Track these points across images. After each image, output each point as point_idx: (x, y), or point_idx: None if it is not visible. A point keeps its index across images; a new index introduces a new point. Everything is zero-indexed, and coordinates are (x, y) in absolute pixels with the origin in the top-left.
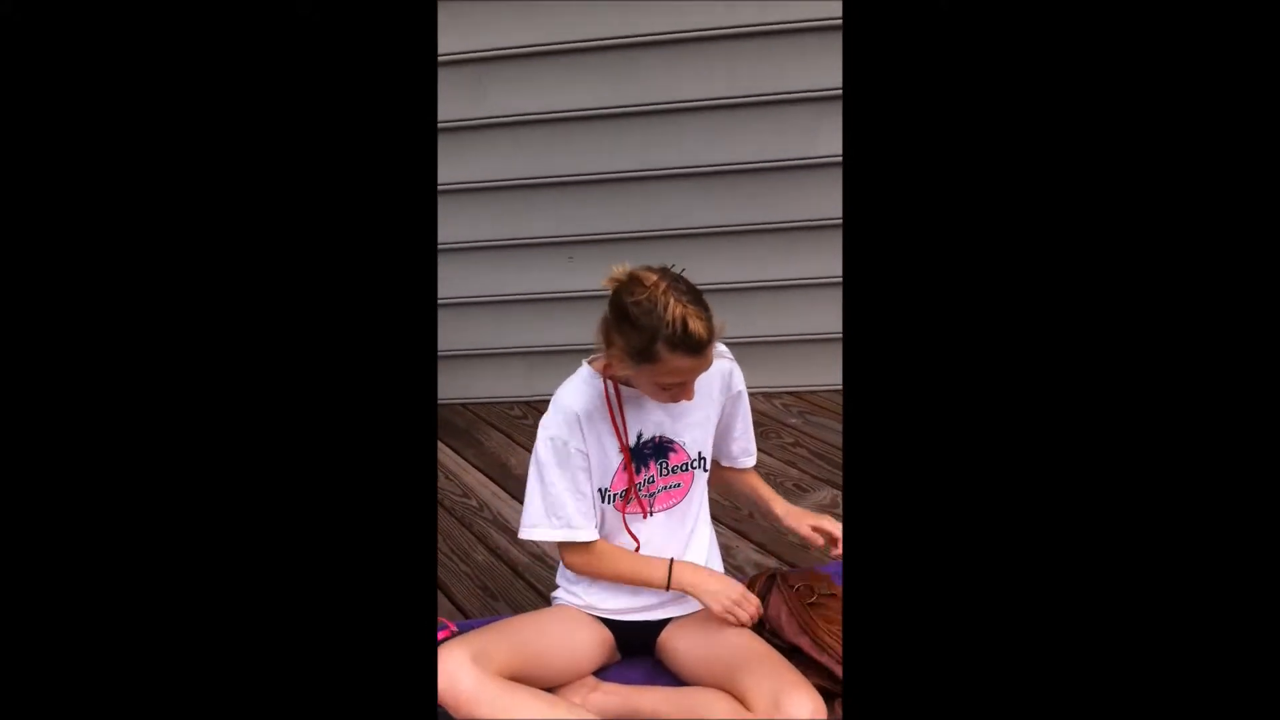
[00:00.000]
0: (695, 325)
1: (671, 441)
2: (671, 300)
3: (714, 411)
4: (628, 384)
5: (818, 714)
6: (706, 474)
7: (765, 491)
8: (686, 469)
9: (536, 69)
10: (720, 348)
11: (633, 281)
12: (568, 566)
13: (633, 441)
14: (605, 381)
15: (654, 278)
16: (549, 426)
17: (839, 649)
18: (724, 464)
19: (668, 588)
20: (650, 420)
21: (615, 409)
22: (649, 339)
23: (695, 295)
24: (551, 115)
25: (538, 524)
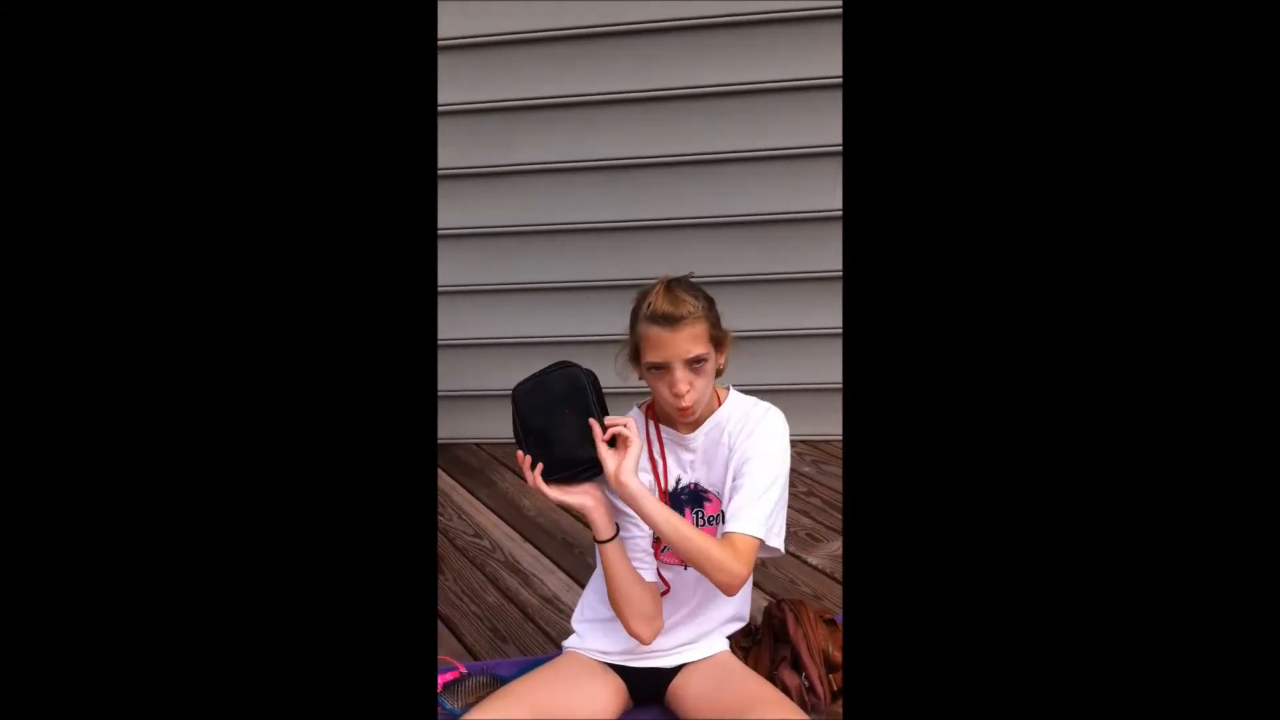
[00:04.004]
0: (664, 301)
1: (706, 491)
2: (661, 286)
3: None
4: (669, 424)
5: None
6: None
7: None
8: (721, 520)
9: (539, 120)
10: (755, 399)
11: None
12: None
13: (671, 485)
14: (648, 421)
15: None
16: None
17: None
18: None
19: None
20: (686, 465)
21: (656, 447)
22: (634, 320)
23: (693, 289)
24: (554, 166)
25: None
